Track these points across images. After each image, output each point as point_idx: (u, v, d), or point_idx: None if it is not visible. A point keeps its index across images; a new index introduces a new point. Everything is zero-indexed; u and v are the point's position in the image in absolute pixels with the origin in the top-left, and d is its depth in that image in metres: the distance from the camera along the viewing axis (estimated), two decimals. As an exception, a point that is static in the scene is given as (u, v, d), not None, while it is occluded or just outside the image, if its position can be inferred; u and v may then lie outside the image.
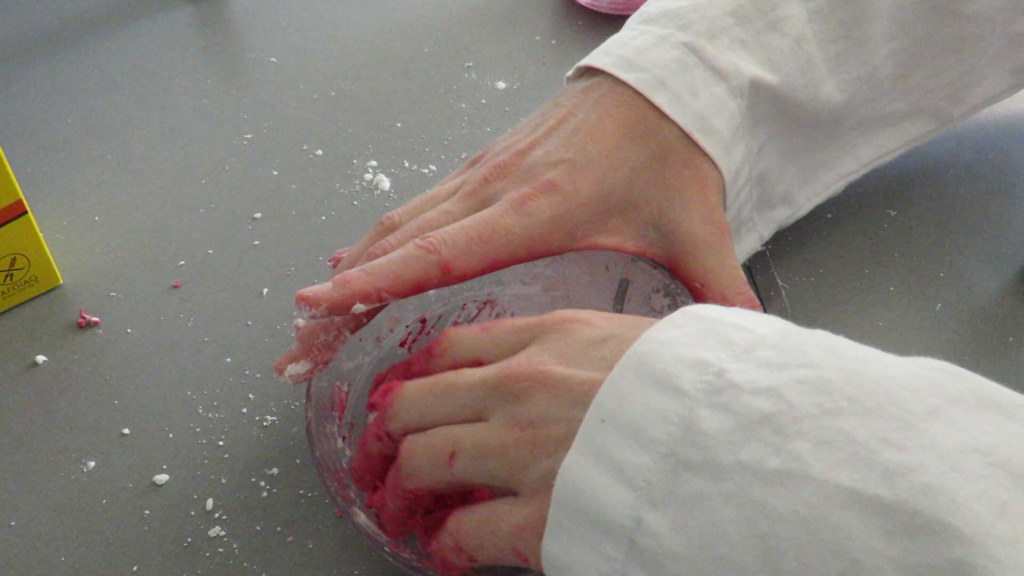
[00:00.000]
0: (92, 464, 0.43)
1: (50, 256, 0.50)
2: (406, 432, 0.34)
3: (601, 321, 0.32)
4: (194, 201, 0.55)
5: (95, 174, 0.57)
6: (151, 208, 0.55)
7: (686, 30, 0.42)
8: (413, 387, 0.34)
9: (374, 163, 0.58)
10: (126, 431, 0.45)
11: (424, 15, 0.69)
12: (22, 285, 0.49)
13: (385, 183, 0.56)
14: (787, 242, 0.52)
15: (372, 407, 0.37)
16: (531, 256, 0.39)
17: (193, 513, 0.42)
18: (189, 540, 0.41)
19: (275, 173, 0.57)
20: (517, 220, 0.38)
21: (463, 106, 0.61)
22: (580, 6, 0.69)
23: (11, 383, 0.47)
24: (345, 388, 0.42)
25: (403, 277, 0.36)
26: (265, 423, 0.45)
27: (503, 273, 0.45)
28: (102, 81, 0.64)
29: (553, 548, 0.28)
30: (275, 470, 0.43)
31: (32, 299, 0.50)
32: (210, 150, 0.59)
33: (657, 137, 0.41)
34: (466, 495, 0.35)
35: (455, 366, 0.34)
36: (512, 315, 0.46)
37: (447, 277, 0.37)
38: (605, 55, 0.43)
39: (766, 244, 0.51)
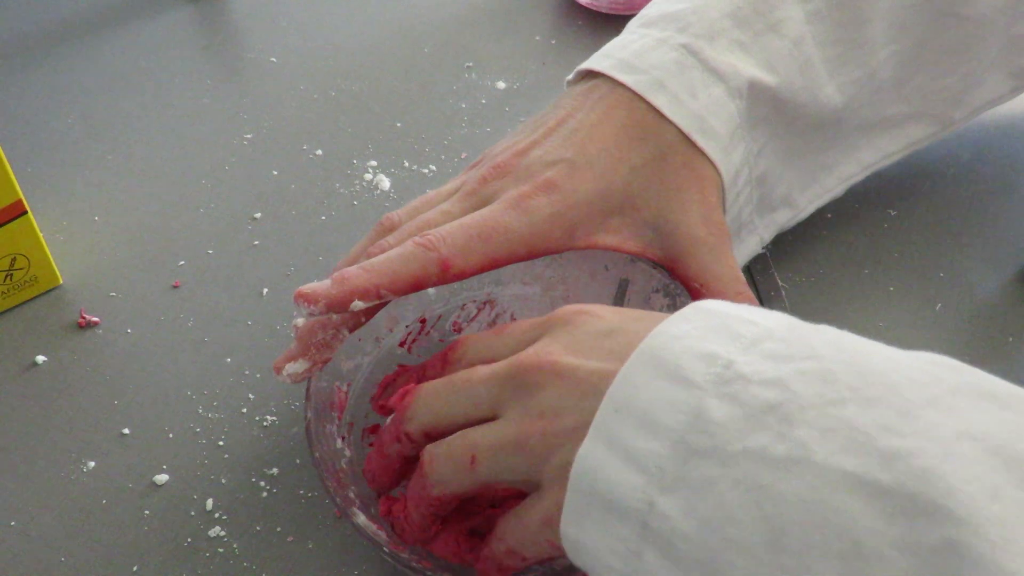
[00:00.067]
0: (92, 464, 0.44)
1: (50, 256, 0.50)
2: (424, 432, 0.35)
3: (607, 314, 0.33)
4: (194, 201, 0.55)
5: (95, 174, 0.57)
6: (151, 208, 0.55)
7: (684, 32, 0.42)
8: (429, 387, 0.35)
9: (374, 163, 0.58)
10: (126, 431, 0.45)
11: (424, 15, 0.69)
12: (22, 285, 0.49)
13: (385, 183, 0.56)
14: (787, 242, 0.52)
15: (387, 410, 0.38)
16: (530, 255, 0.39)
17: (193, 513, 0.42)
18: (189, 540, 0.41)
19: (275, 173, 0.57)
20: (516, 218, 0.38)
21: (463, 106, 0.61)
22: (580, 6, 0.69)
23: (11, 383, 0.47)
24: (344, 388, 0.42)
25: (402, 274, 0.37)
26: (265, 423, 0.45)
27: (503, 273, 0.45)
28: (102, 81, 0.64)
29: (571, 532, 0.29)
30: (275, 470, 0.43)
31: (32, 299, 0.50)
32: (210, 150, 0.59)
33: (656, 138, 0.41)
34: (490, 496, 0.36)
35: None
36: (512, 315, 0.46)
37: (446, 274, 0.37)
38: (605, 58, 0.43)
39: (766, 244, 0.51)
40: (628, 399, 0.28)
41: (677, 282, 0.41)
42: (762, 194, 0.45)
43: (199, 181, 0.57)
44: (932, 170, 0.56)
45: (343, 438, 0.41)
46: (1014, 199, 0.55)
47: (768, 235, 0.47)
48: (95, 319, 0.49)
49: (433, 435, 0.35)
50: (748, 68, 0.42)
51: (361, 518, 0.35)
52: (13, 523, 0.41)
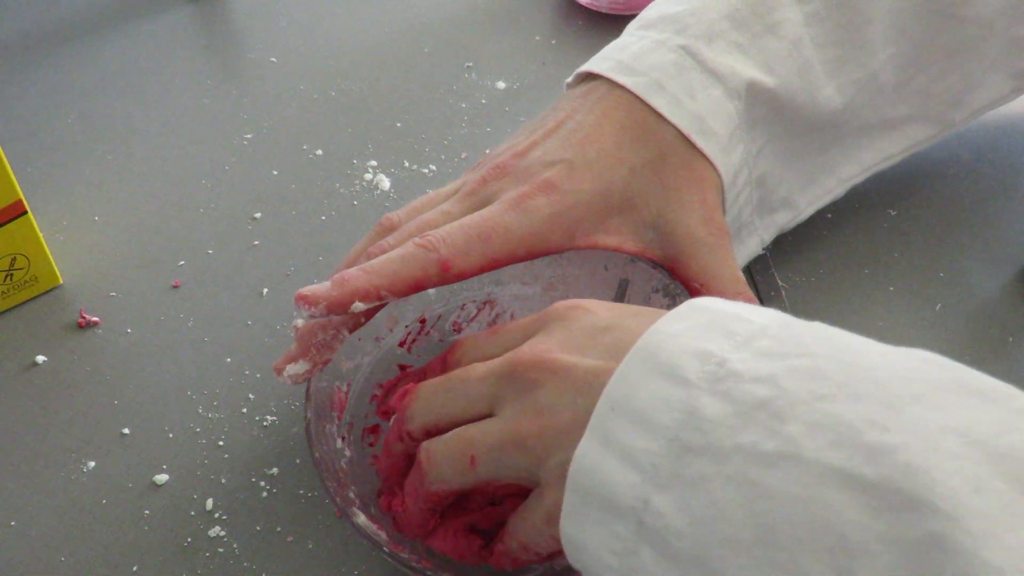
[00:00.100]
0: (92, 464, 0.44)
1: (50, 256, 0.50)
2: (425, 431, 0.35)
3: (601, 310, 0.33)
4: (194, 201, 0.55)
5: (95, 174, 0.57)
6: (151, 208, 0.55)
7: (683, 34, 0.42)
8: (427, 386, 0.36)
9: (374, 163, 0.58)
10: (126, 431, 0.45)
11: (424, 15, 0.69)
12: (22, 285, 0.49)
13: (385, 183, 0.56)
14: (787, 242, 0.52)
15: (389, 413, 0.39)
16: (530, 255, 0.39)
17: (193, 513, 0.42)
18: (189, 540, 0.41)
19: (275, 173, 0.57)
20: (516, 218, 0.38)
21: (463, 106, 0.61)
22: (580, 6, 0.69)
23: (11, 383, 0.47)
24: (344, 388, 0.42)
25: (402, 275, 0.37)
26: (265, 423, 0.45)
27: (502, 273, 0.45)
28: (102, 81, 0.64)
29: (570, 529, 0.29)
30: (275, 470, 0.43)
31: (32, 299, 0.50)
32: (210, 150, 0.59)
33: (655, 139, 0.41)
34: (488, 492, 0.37)
35: None
36: (512, 315, 0.46)
37: (446, 275, 0.37)
38: (604, 60, 0.43)
39: (767, 244, 0.51)
40: (624, 398, 0.28)
41: (677, 282, 0.41)
42: (762, 195, 0.45)
43: (199, 181, 0.57)
44: (932, 170, 0.56)
45: (343, 438, 0.41)
46: (1014, 199, 0.55)
47: (768, 236, 0.47)
48: (95, 319, 0.49)
49: (433, 433, 0.35)
50: (747, 69, 0.42)
51: (361, 518, 0.35)
52: (13, 523, 0.41)
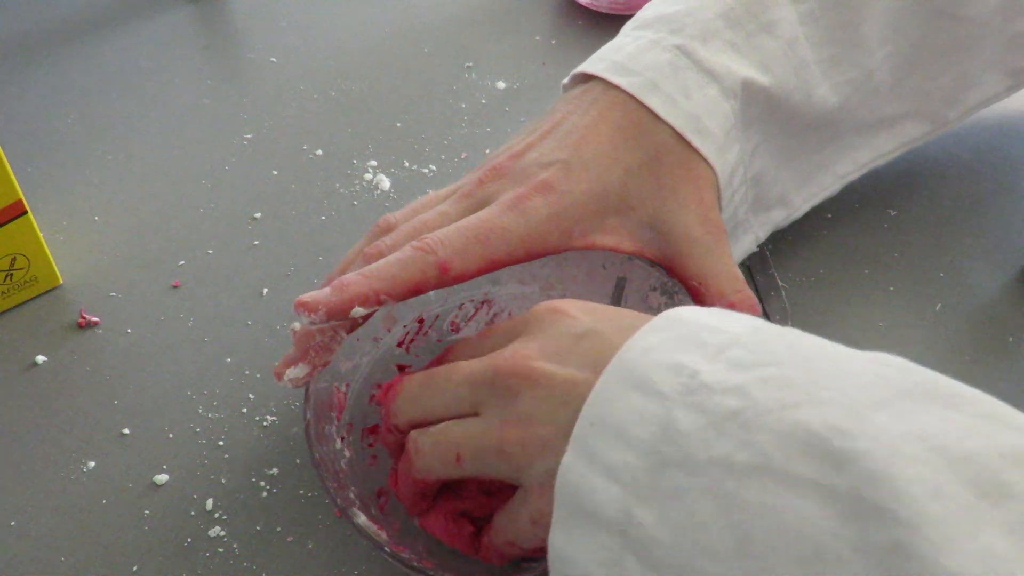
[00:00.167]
0: (92, 464, 0.44)
1: (50, 256, 0.50)
2: (410, 425, 0.36)
3: (581, 314, 0.34)
4: (194, 201, 0.55)
5: (95, 174, 0.57)
6: (151, 208, 0.55)
7: (678, 34, 0.42)
8: (412, 382, 0.37)
9: (374, 163, 0.58)
10: (126, 431, 0.45)
11: (424, 15, 0.69)
12: (22, 285, 0.50)
13: (385, 183, 0.56)
14: (787, 242, 0.52)
15: (379, 404, 0.40)
16: (529, 256, 0.39)
17: (193, 513, 0.42)
18: (189, 540, 0.41)
19: (275, 173, 0.57)
20: (514, 219, 0.38)
21: (463, 106, 0.61)
22: (580, 6, 0.69)
23: (11, 383, 0.47)
24: (343, 389, 0.42)
25: (401, 279, 0.37)
26: (265, 423, 0.45)
27: (500, 272, 0.45)
28: (102, 81, 0.64)
29: (558, 541, 0.30)
30: (275, 470, 0.43)
31: (32, 299, 0.50)
32: (210, 150, 0.59)
33: (651, 138, 0.41)
34: (481, 480, 0.38)
35: None
36: (509, 314, 0.46)
37: (445, 277, 0.37)
38: (599, 61, 0.43)
39: (766, 244, 0.51)
40: (602, 414, 0.29)
41: (675, 280, 0.41)
42: (757, 193, 0.45)
43: (199, 181, 0.57)
44: (932, 170, 0.56)
45: (342, 438, 0.41)
46: (1014, 199, 0.55)
47: (764, 233, 0.47)
48: (95, 319, 0.49)
49: (420, 426, 0.36)
50: (742, 68, 0.42)
51: (362, 518, 0.35)
52: (13, 523, 0.41)
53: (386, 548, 0.34)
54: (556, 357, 0.32)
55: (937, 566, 0.23)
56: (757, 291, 0.49)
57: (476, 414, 0.34)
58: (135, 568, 0.40)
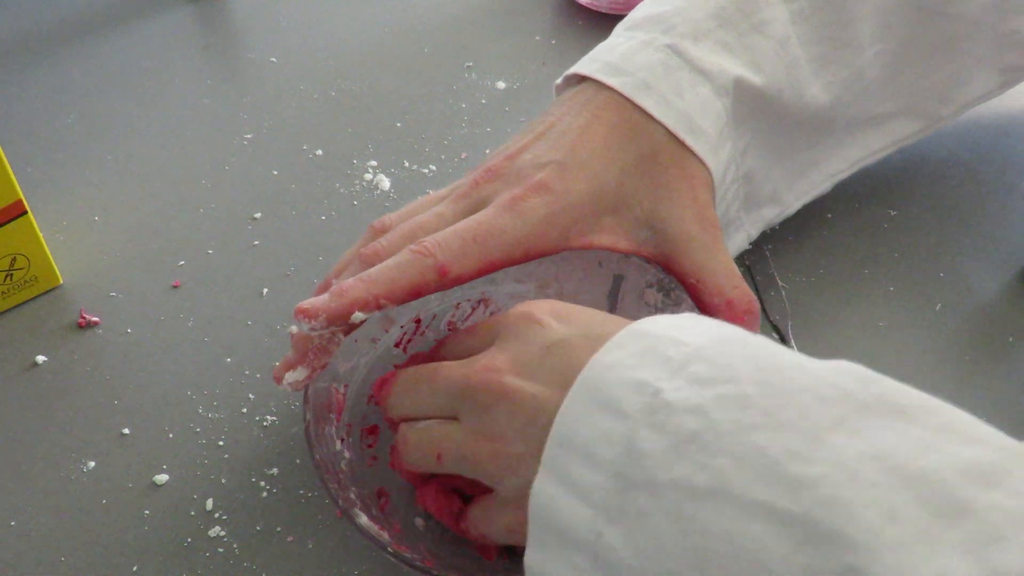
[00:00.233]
0: (92, 464, 0.44)
1: (50, 256, 0.50)
2: (401, 419, 0.38)
3: (553, 321, 0.34)
4: (194, 201, 0.55)
5: (95, 174, 0.57)
6: (151, 208, 0.55)
7: (669, 33, 0.42)
8: (401, 379, 0.38)
9: (374, 163, 0.58)
10: (126, 431, 0.45)
11: (424, 15, 0.69)
12: (22, 285, 0.50)
13: (385, 183, 0.56)
14: (787, 242, 0.52)
15: (373, 397, 0.41)
16: (527, 256, 0.39)
17: (193, 513, 0.42)
18: (189, 540, 0.41)
19: (275, 173, 0.57)
20: (511, 220, 0.38)
21: (463, 106, 0.61)
22: (580, 6, 0.69)
23: (11, 383, 0.47)
24: (342, 390, 0.42)
25: (400, 282, 0.37)
26: (265, 423, 0.45)
27: (497, 272, 0.45)
28: (102, 81, 0.64)
29: (535, 560, 0.30)
30: (275, 470, 0.43)
31: (32, 299, 0.50)
32: (210, 150, 0.59)
33: (644, 138, 0.41)
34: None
35: None
36: None
37: (444, 280, 0.37)
38: (592, 62, 0.43)
39: (766, 245, 0.51)
40: (570, 435, 0.29)
41: (671, 277, 0.41)
42: (749, 191, 0.45)
43: (199, 181, 0.57)
44: (932, 170, 0.56)
45: (342, 440, 0.41)
46: (1014, 199, 0.55)
47: (755, 231, 0.47)
48: (95, 319, 0.49)
49: (410, 420, 0.37)
50: (734, 67, 0.42)
51: (363, 519, 0.35)
52: (13, 523, 0.41)
53: (389, 548, 0.34)
54: (525, 371, 0.33)
55: None
56: (757, 291, 0.49)
57: (457, 418, 0.35)
58: (135, 568, 0.40)
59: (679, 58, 0.42)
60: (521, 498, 0.31)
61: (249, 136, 0.60)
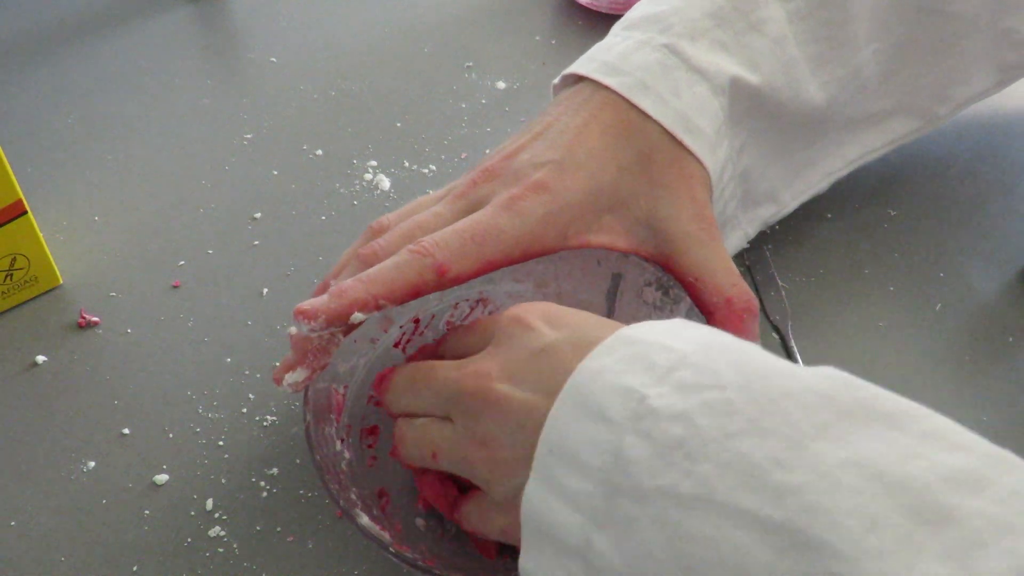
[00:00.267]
0: (92, 464, 0.44)
1: (50, 256, 0.50)
2: (400, 415, 0.39)
3: (543, 325, 0.34)
4: (194, 201, 0.55)
5: (95, 174, 0.57)
6: (151, 208, 0.55)
7: (666, 33, 0.42)
8: (399, 376, 0.39)
9: (374, 163, 0.58)
10: (126, 431, 0.45)
11: (424, 15, 0.69)
12: (22, 285, 0.50)
13: (385, 183, 0.56)
14: (787, 242, 0.52)
15: (372, 399, 0.42)
16: (525, 256, 0.39)
17: (193, 513, 0.42)
18: (189, 540, 0.41)
19: (275, 173, 0.57)
20: (509, 220, 0.38)
21: (463, 106, 0.61)
22: (580, 6, 0.69)
23: (11, 383, 0.47)
24: (341, 391, 0.42)
25: (399, 283, 0.37)
26: (265, 423, 0.45)
27: (495, 271, 0.45)
28: (102, 81, 0.64)
29: (529, 564, 0.31)
30: (275, 470, 0.43)
31: (32, 299, 0.50)
32: (210, 150, 0.59)
33: (642, 137, 0.41)
34: None
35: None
36: None
37: (443, 280, 0.37)
38: (589, 62, 0.43)
39: (766, 245, 0.51)
40: (558, 441, 0.29)
41: (670, 275, 0.41)
42: (746, 190, 0.46)
43: (199, 181, 0.57)
44: (932, 170, 0.56)
45: (342, 440, 0.41)
46: (1014, 199, 0.55)
47: (753, 230, 0.47)
48: (95, 319, 0.49)
49: (409, 415, 0.38)
50: (731, 67, 0.42)
51: (365, 519, 0.35)
52: (13, 523, 0.41)
53: (390, 548, 0.34)
54: (514, 377, 0.33)
55: None
56: (757, 291, 0.49)
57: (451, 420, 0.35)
58: (135, 568, 0.40)
59: (676, 57, 0.42)
60: (514, 501, 0.31)
61: (249, 136, 0.60)
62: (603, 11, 0.68)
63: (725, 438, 0.27)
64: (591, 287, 0.44)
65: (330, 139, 0.59)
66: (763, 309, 0.49)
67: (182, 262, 0.52)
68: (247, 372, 0.47)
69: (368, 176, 0.57)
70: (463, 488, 0.38)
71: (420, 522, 0.40)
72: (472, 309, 0.46)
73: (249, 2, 0.70)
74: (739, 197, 0.45)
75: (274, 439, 0.44)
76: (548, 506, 0.29)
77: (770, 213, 0.48)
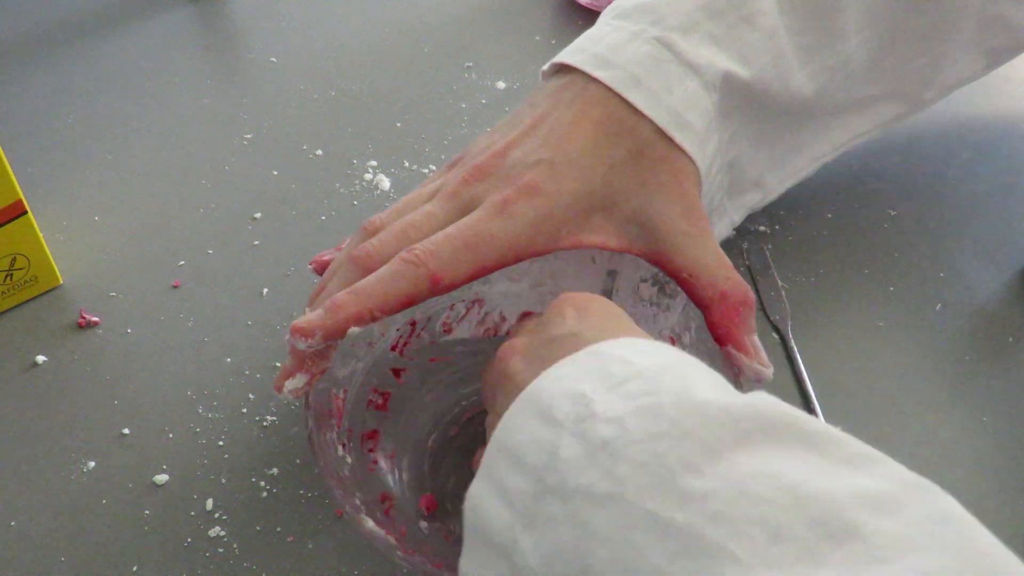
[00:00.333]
0: (92, 464, 0.44)
1: (50, 256, 0.50)
2: None
3: (572, 317, 0.34)
4: (194, 201, 0.55)
5: (95, 174, 0.57)
6: (151, 208, 0.55)
7: (659, 25, 0.42)
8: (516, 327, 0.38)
9: (374, 163, 0.58)
10: (126, 431, 0.45)
11: (424, 15, 0.69)
12: (22, 285, 0.50)
13: (385, 183, 0.56)
14: (787, 242, 0.52)
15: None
16: (518, 259, 0.39)
17: (193, 513, 0.42)
18: (189, 540, 0.41)
19: (275, 173, 0.57)
20: (501, 225, 0.38)
21: (463, 106, 0.61)
22: (580, 6, 0.69)
23: (11, 383, 0.47)
24: (341, 395, 0.42)
25: (392, 294, 0.37)
26: (265, 423, 0.45)
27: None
28: (102, 81, 0.64)
29: (467, 566, 0.30)
30: (275, 470, 0.43)
31: (32, 299, 0.50)
32: (210, 150, 0.59)
33: (633, 134, 0.41)
34: None
35: None
36: (500, 312, 0.46)
37: (436, 288, 0.37)
38: (579, 52, 0.43)
39: (766, 245, 0.51)
40: (506, 439, 0.29)
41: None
42: (733, 178, 0.45)
43: (199, 181, 0.57)
44: (932, 170, 0.56)
45: (343, 445, 0.41)
46: (1014, 199, 0.55)
47: (739, 217, 0.47)
48: (95, 319, 0.49)
49: None
50: (723, 62, 0.42)
51: (370, 524, 0.35)
52: (13, 523, 0.41)
53: (398, 552, 0.34)
54: (528, 357, 0.33)
55: None
56: (757, 291, 0.49)
57: None
58: (135, 568, 0.40)
59: (668, 51, 0.41)
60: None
61: (249, 136, 0.60)
62: (603, 11, 0.68)
63: (647, 439, 0.26)
64: (587, 285, 0.44)
65: (330, 139, 0.59)
66: (763, 309, 0.49)
67: (182, 262, 0.52)
68: (247, 372, 0.47)
69: (368, 176, 0.57)
70: None
71: (423, 525, 0.40)
72: (468, 310, 0.46)
73: (249, 2, 0.70)
74: (726, 186, 0.45)
75: (274, 439, 0.44)
76: (487, 504, 0.29)
77: (756, 199, 0.48)
